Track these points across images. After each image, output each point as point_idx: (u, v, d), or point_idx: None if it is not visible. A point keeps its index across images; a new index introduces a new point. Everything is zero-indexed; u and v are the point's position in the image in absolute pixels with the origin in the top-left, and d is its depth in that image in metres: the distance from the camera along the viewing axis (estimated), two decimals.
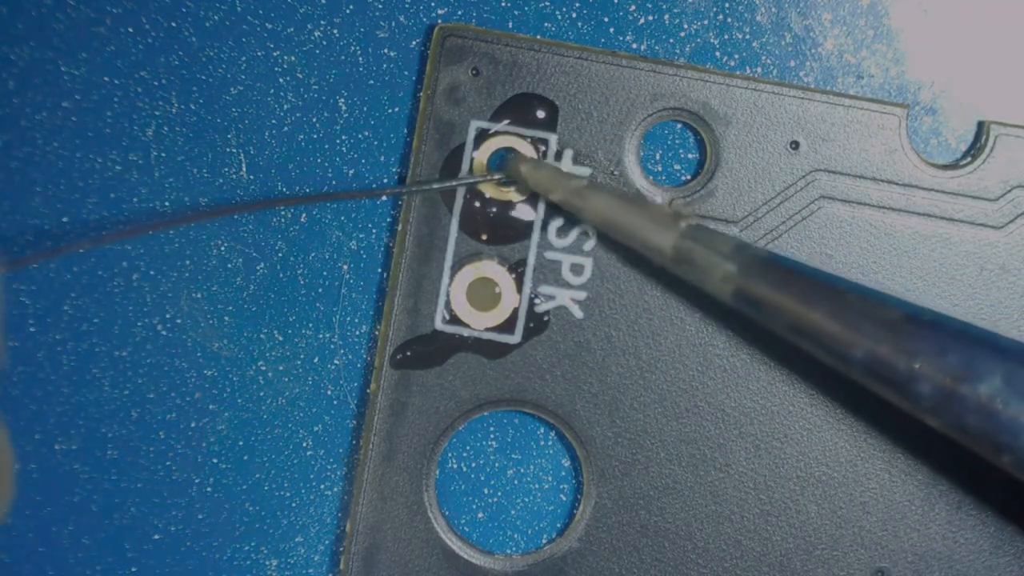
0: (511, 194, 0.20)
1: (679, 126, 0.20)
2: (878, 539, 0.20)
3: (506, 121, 0.19)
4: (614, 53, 0.20)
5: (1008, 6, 0.20)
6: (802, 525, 0.20)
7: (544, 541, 0.21)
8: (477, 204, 0.20)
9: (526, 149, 0.19)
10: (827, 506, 0.20)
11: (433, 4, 0.20)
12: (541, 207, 0.20)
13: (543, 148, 0.19)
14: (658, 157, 0.20)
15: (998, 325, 0.19)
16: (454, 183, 0.19)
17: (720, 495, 0.20)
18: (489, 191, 0.20)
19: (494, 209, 0.20)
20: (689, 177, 0.20)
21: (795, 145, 0.19)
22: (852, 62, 0.20)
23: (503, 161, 0.19)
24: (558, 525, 0.21)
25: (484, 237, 0.20)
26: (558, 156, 0.19)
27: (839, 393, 0.20)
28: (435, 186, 0.19)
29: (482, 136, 0.19)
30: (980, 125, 0.20)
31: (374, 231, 0.21)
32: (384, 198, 0.21)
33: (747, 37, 0.20)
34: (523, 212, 0.20)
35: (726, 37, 0.20)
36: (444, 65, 0.19)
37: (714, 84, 0.19)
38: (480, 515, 0.21)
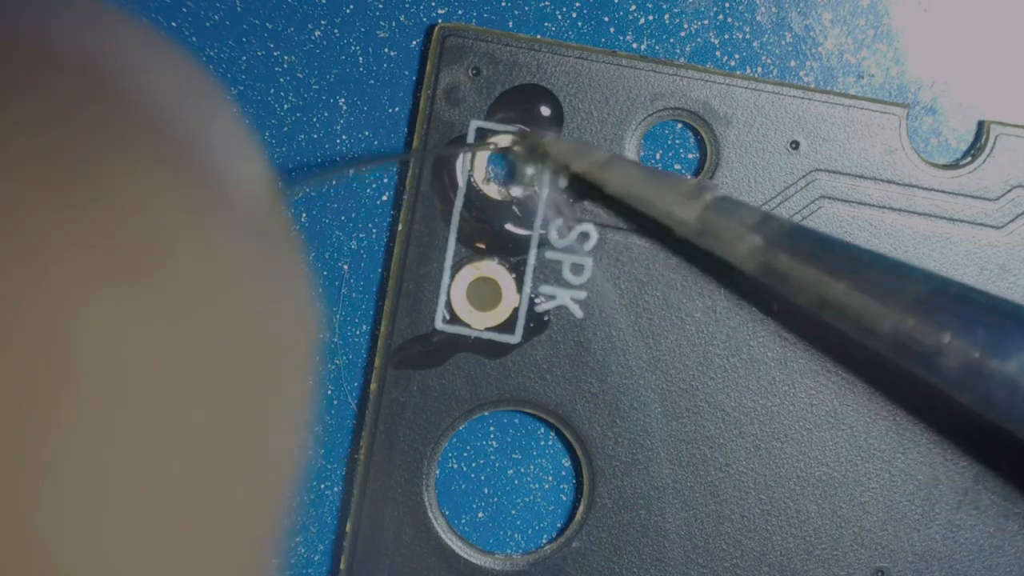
0: (512, 193, 0.20)
1: (679, 126, 0.20)
2: (878, 539, 0.20)
3: (506, 120, 0.19)
4: (614, 53, 0.20)
5: (1008, 6, 0.20)
6: (802, 525, 0.20)
7: (544, 541, 0.21)
8: (476, 213, 0.20)
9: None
10: (827, 506, 0.20)
11: (433, 4, 0.20)
12: (542, 207, 0.20)
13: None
14: (658, 157, 0.20)
15: None
16: (465, 148, 0.19)
17: (720, 495, 0.20)
18: (491, 194, 0.20)
19: (493, 220, 0.20)
20: (689, 177, 0.20)
21: (795, 145, 0.19)
22: (852, 62, 0.20)
23: (506, 153, 0.19)
24: (558, 525, 0.21)
25: (482, 246, 0.20)
26: (575, 181, 0.19)
27: (839, 393, 0.20)
28: (445, 151, 0.19)
29: (482, 136, 0.19)
30: (980, 125, 0.20)
31: (374, 231, 0.21)
32: (384, 198, 0.21)
33: (747, 37, 0.20)
34: (522, 213, 0.20)
35: (726, 37, 0.20)
36: (444, 65, 0.19)
37: (714, 84, 0.19)
38: (480, 515, 0.21)
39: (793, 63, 0.20)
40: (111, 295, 0.08)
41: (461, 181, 0.20)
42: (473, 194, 0.20)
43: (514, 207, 0.20)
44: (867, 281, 0.15)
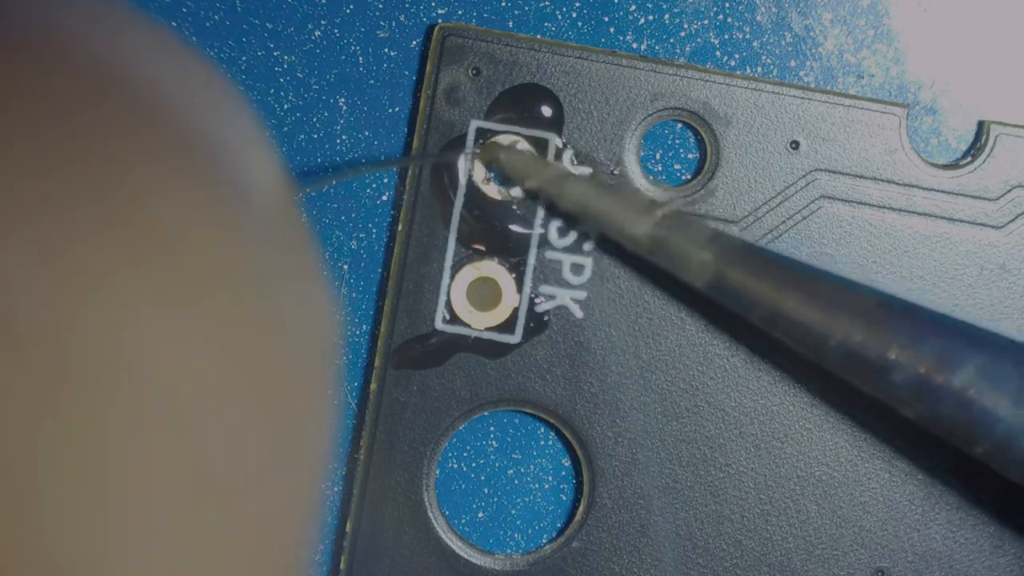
0: (512, 193, 0.20)
1: (679, 126, 0.20)
2: (878, 539, 0.20)
3: (506, 121, 0.19)
4: (614, 53, 0.20)
5: (1008, 6, 0.20)
6: (802, 525, 0.20)
7: (544, 541, 0.21)
8: (476, 213, 0.20)
9: (524, 148, 0.19)
10: (827, 506, 0.20)
11: (433, 4, 0.20)
12: (541, 207, 0.20)
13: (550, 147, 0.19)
14: (658, 157, 0.20)
15: (999, 325, 0.19)
16: (420, 160, 0.19)
17: (720, 495, 0.20)
18: (491, 194, 0.20)
19: (493, 220, 0.20)
20: (689, 177, 0.20)
21: (795, 145, 0.19)
22: (852, 62, 0.20)
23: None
24: (558, 525, 0.21)
25: (482, 246, 0.20)
26: (558, 156, 0.19)
27: (839, 393, 0.20)
28: (437, 159, 0.19)
29: (482, 136, 0.19)
30: (980, 125, 0.20)
31: (374, 231, 0.21)
32: (384, 198, 0.21)
33: (747, 37, 0.20)
34: (522, 213, 0.20)
35: (726, 37, 0.20)
36: (444, 65, 0.19)
37: (714, 84, 0.19)
38: (480, 515, 0.21)
39: (793, 63, 0.20)
40: (123, 293, 0.08)
41: (461, 181, 0.20)
42: (473, 194, 0.20)
43: (514, 207, 0.20)
44: (815, 296, 0.15)
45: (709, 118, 0.19)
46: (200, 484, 0.08)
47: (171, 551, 0.08)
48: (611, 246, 0.20)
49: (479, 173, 0.20)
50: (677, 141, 0.20)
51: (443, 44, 0.19)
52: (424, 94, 0.20)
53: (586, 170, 0.19)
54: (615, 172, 0.19)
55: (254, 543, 0.09)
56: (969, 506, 0.20)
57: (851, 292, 0.16)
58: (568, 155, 0.19)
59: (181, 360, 0.08)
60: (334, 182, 0.20)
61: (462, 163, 0.19)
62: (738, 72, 0.20)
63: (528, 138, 0.19)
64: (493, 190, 0.20)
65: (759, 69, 0.20)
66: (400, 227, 0.20)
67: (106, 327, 0.08)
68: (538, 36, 0.20)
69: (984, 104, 0.20)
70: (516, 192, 0.20)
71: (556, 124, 0.19)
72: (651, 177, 0.20)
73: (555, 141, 0.19)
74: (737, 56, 0.20)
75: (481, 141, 0.19)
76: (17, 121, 0.08)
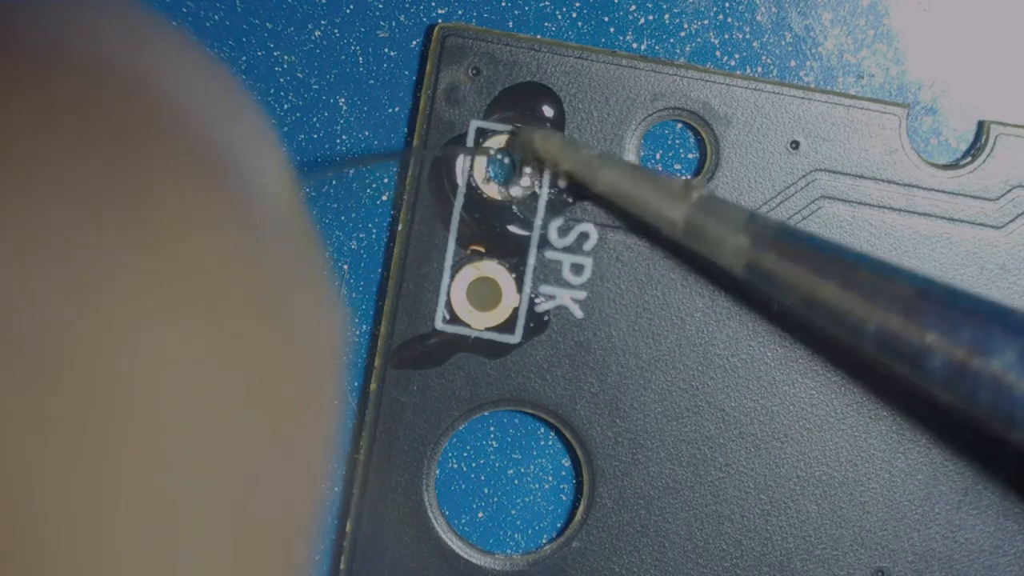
0: (512, 193, 0.20)
1: (679, 126, 0.20)
2: (878, 539, 0.20)
3: (506, 120, 0.19)
4: (614, 53, 0.20)
5: (1008, 6, 0.20)
6: (802, 525, 0.20)
7: (544, 541, 0.21)
8: (475, 214, 0.20)
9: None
10: (827, 506, 0.20)
11: (433, 4, 0.20)
12: (541, 207, 0.20)
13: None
14: (658, 157, 0.20)
15: None
16: (461, 150, 0.19)
17: (720, 495, 0.20)
18: (491, 194, 0.20)
19: (492, 220, 0.20)
20: (690, 177, 0.20)
21: (795, 145, 0.19)
22: (852, 62, 0.20)
23: (512, 144, 0.19)
24: (558, 525, 0.21)
25: (482, 246, 0.20)
26: (564, 179, 0.19)
27: (839, 393, 0.20)
28: (440, 152, 0.19)
29: (482, 135, 0.19)
30: (980, 125, 0.20)
31: (374, 231, 0.21)
32: (385, 197, 0.21)
33: (747, 37, 0.20)
34: (522, 213, 0.20)
35: (726, 37, 0.20)
36: (444, 65, 0.19)
37: (714, 84, 0.19)
38: (480, 515, 0.21)
39: (793, 63, 0.20)
40: (128, 295, 0.08)
41: (461, 181, 0.20)
42: (473, 194, 0.20)
43: (514, 207, 0.20)
44: (853, 281, 0.15)
45: (709, 118, 0.19)
46: (201, 487, 0.08)
47: (171, 556, 0.08)
48: (612, 246, 0.20)
49: (479, 173, 0.20)
50: (677, 141, 0.20)
51: (443, 44, 0.19)
52: (424, 94, 0.20)
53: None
54: None
55: (256, 548, 0.09)
56: (969, 506, 0.20)
57: (889, 276, 0.15)
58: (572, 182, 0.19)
59: (184, 363, 0.08)
60: (338, 172, 0.20)
61: (460, 163, 0.19)
62: (738, 72, 0.20)
63: (519, 135, 0.19)
64: (493, 190, 0.20)
65: (759, 69, 0.20)
66: (400, 227, 0.20)
67: (107, 328, 0.08)
68: (538, 36, 0.20)
69: (984, 104, 0.20)
70: (516, 192, 0.20)
71: (557, 124, 0.19)
72: None
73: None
74: (737, 56, 0.20)
75: (481, 140, 0.19)
76: (19, 120, 0.08)
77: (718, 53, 0.20)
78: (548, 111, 0.19)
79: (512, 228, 0.20)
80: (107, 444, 0.08)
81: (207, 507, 0.08)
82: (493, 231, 0.20)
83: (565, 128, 0.19)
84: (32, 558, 0.07)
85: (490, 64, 0.19)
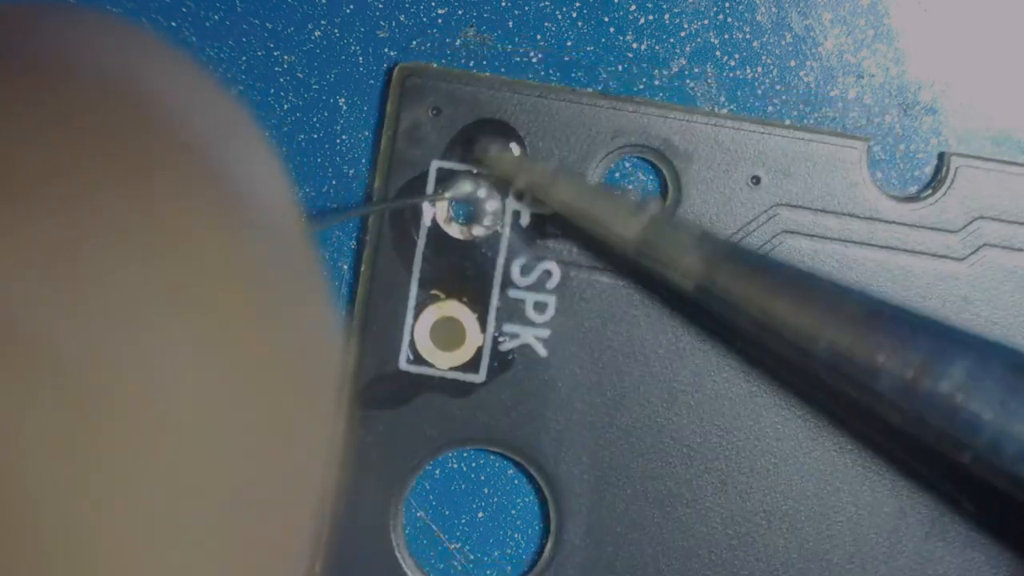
0: (474, 233, 0.20)
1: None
2: (846, 572, 0.20)
3: (467, 160, 0.19)
4: (574, 91, 0.20)
5: (1008, 6, 0.20)
6: (770, 559, 0.20)
7: None
8: (438, 254, 0.20)
9: (484, 189, 0.19)
10: (794, 540, 0.20)
11: (433, 4, 0.20)
12: (504, 245, 0.20)
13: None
14: None
15: None
16: (425, 198, 0.19)
17: (687, 531, 0.20)
18: (453, 233, 0.20)
19: (455, 260, 0.20)
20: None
21: (756, 180, 0.19)
22: (852, 62, 0.20)
23: (465, 203, 0.19)
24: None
25: (444, 287, 0.20)
26: (519, 196, 0.19)
27: (805, 427, 0.20)
28: (400, 203, 0.19)
29: (443, 175, 0.19)
30: (940, 157, 0.20)
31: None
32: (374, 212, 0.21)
33: (747, 37, 0.20)
34: (485, 252, 0.20)
35: (726, 37, 0.20)
36: (405, 105, 0.19)
37: (675, 120, 0.19)
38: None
39: (793, 63, 0.20)
40: (128, 298, 0.08)
41: (424, 222, 0.20)
42: (435, 235, 0.20)
43: (477, 246, 0.20)
44: (804, 299, 0.16)
45: (670, 154, 0.19)
46: (200, 488, 0.08)
47: (171, 556, 0.08)
48: (575, 283, 0.20)
49: (441, 213, 0.20)
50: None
51: (403, 84, 0.19)
52: (386, 134, 0.20)
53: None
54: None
55: (256, 548, 0.09)
56: (936, 537, 0.20)
57: (840, 296, 0.16)
58: (528, 198, 0.19)
59: (183, 366, 0.08)
60: (313, 229, 0.20)
61: (426, 205, 0.20)
62: (697, 108, 0.20)
63: (489, 178, 0.19)
64: (455, 230, 0.20)
65: (759, 69, 0.20)
66: (363, 268, 0.20)
67: (107, 331, 0.08)
68: (499, 75, 0.20)
69: (984, 104, 0.20)
70: (478, 231, 0.20)
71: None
72: None
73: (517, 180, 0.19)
74: (737, 56, 0.20)
75: (441, 182, 0.19)
76: (22, 126, 0.08)
77: (718, 53, 0.20)
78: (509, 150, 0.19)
79: (475, 267, 0.20)
80: (106, 447, 0.08)
81: (207, 507, 0.08)
82: (456, 271, 0.20)
83: None
84: (32, 558, 0.07)
85: (450, 104, 0.19)
